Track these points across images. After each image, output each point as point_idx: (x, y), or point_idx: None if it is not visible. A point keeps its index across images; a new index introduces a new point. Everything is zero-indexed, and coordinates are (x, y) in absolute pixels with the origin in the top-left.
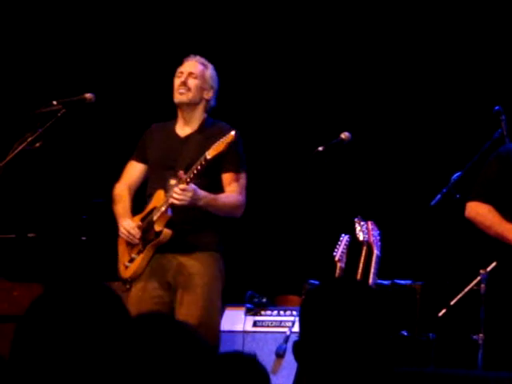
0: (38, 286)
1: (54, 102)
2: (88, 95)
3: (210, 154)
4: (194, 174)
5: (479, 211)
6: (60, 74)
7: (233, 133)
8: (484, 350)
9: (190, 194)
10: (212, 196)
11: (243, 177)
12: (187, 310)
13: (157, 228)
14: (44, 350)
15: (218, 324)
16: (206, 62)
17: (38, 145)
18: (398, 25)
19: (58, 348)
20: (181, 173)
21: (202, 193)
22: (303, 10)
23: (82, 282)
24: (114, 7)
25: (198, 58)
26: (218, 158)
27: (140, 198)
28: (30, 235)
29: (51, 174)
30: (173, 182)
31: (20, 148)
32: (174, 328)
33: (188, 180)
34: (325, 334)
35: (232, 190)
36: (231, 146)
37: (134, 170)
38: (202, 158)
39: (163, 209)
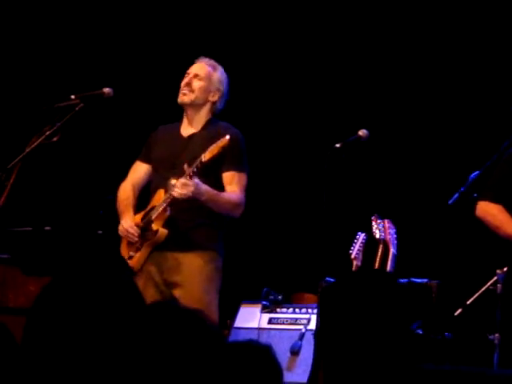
0: None
1: (73, 96)
2: (106, 90)
3: (205, 157)
4: (190, 176)
5: (489, 211)
6: (79, 69)
7: (227, 137)
8: (500, 350)
9: (191, 189)
10: (215, 192)
11: (244, 176)
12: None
13: (154, 227)
14: (55, 340)
15: (217, 321)
16: (215, 64)
17: (55, 139)
18: (416, 22)
19: (70, 337)
20: (185, 166)
21: (204, 187)
22: (317, 9)
23: (98, 271)
24: (133, 7)
25: (207, 60)
26: (215, 158)
27: (147, 197)
28: (46, 228)
29: (68, 168)
30: (173, 181)
31: (38, 142)
32: (187, 315)
33: (189, 176)
34: (344, 320)
35: (233, 189)
36: (231, 147)
37: (139, 170)
38: (198, 161)
39: (162, 208)
